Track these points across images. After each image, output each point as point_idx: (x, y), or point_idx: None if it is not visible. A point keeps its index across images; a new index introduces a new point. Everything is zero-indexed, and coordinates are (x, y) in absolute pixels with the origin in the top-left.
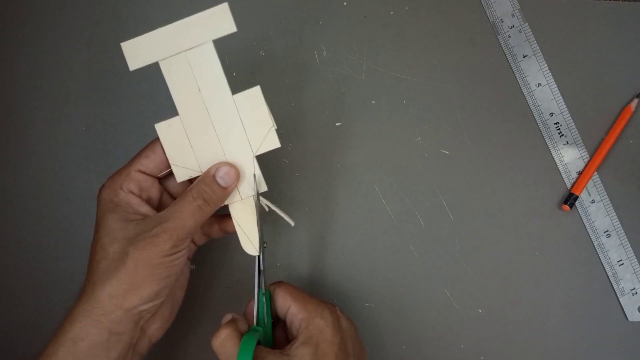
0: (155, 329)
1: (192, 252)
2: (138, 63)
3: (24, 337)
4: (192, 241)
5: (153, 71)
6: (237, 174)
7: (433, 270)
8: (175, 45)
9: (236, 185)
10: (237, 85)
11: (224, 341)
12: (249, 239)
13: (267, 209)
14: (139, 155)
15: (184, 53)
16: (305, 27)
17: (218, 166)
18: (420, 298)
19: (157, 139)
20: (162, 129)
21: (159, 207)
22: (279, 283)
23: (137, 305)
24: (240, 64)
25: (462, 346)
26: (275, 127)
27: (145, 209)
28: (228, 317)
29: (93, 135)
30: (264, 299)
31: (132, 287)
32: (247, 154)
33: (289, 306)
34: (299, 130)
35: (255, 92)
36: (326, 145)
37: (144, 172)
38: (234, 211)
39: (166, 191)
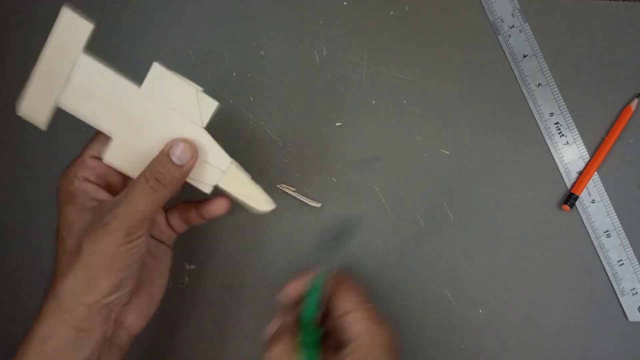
0: (133, 320)
1: (172, 240)
2: (43, 117)
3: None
4: (171, 227)
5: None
6: (194, 150)
7: (433, 270)
8: (57, 78)
9: (194, 162)
10: (237, 84)
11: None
12: (258, 199)
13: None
14: (91, 140)
15: (69, 80)
16: (305, 27)
17: (172, 143)
18: (420, 298)
19: None
20: (111, 157)
21: (115, 185)
22: (341, 279)
23: (98, 300)
24: (240, 64)
25: (462, 346)
26: (201, 89)
27: (102, 195)
28: (274, 325)
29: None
30: (316, 284)
31: (90, 281)
32: (198, 131)
33: (351, 311)
34: (299, 130)
35: (156, 70)
36: (326, 145)
37: (98, 158)
38: (224, 186)
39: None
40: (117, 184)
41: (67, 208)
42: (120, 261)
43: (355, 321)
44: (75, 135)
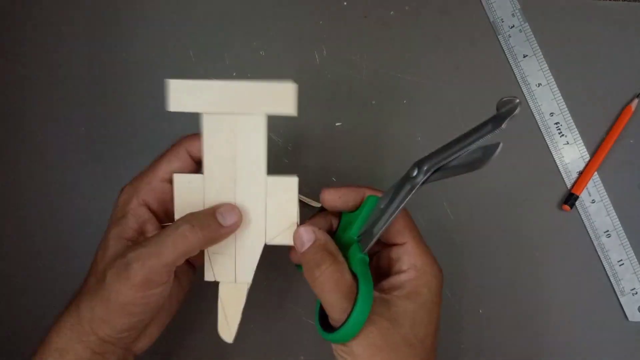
0: (142, 345)
1: (200, 262)
2: (181, 106)
3: (24, 339)
4: (189, 262)
5: (152, 71)
6: (240, 217)
7: None
8: (226, 104)
9: (235, 228)
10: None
11: (318, 256)
12: (228, 325)
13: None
14: (160, 159)
15: (233, 116)
16: (305, 27)
17: (221, 204)
18: None
19: (178, 141)
20: (180, 180)
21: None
22: (407, 213)
23: (111, 335)
24: (240, 64)
25: (462, 346)
26: (298, 224)
27: (150, 227)
28: (309, 234)
29: (93, 135)
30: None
31: (105, 318)
32: (258, 239)
33: (405, 242)
34: (299, 130)
35: (292, 182)
36: (326, 145)
37: (167, 181)
38: (222, 291)
39: None
40: (173, 215)
41: (113, 229)
42: (138, 307)
43: (410, 253)
44: (76, 135)
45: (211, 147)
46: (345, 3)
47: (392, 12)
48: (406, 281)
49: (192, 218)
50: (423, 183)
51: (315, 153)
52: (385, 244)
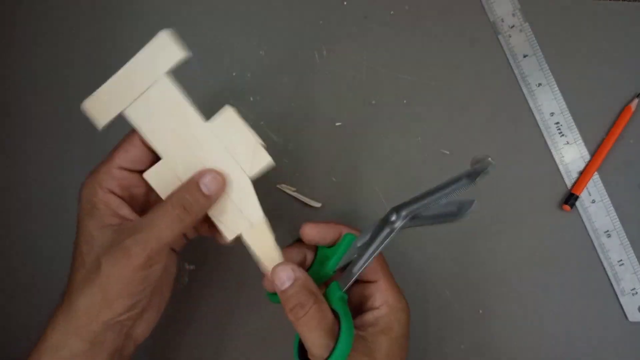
0: (141, 332)
1: (181, 246)
2: (104, 118)
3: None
4: (184, 235)
5: None
6: (224, 182)
7: (433, 270)
8: (132, 90)
9: (221, 193)
10: (237, 84)
11: (301, 295)
12: (271, 258)
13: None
14: (117, 149)
15: (143, 95)
16: (305, 27)
17: (202, 172)
18: (420, 298)
19: (133, 132)
20: (151, 176)
21: (144, 205)
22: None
23: (113, 318)
24: (240, 64)
25: (462, 346)
26: (263, 144)
27: (125, 211)
28: (286, 271)
29: (93, 135)
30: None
31: (106, 301)
32: (244, 179)
33: (377, 280)
34: (299, 130)
35: (228, 113)
36: (326, 145)
37: (125, 169)
38: (248, 239)
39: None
40: (140, 197)
41: (89, 221)
42: (138, 285)
43: (382, 290)
44: (76, 135)
45: (149, 132)
46: (345, 3)
47: (392, 12)
48: (380, 317)
49: (181, 199)
50: (401, 228)
51: (315, 153)
52: (357, 281)
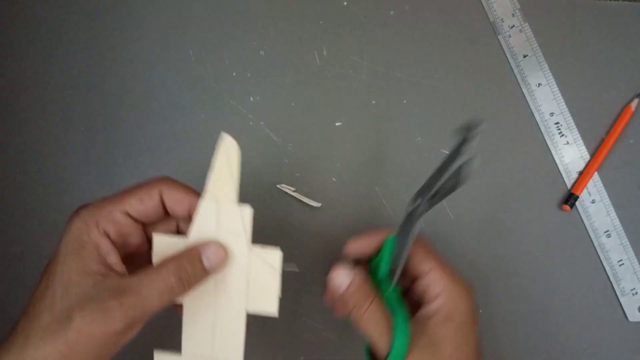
0: None
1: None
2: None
3: None
4: None
5: (153, 70)
6: (225, 258)
7: None
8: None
9: (222, 268)
10: (237, 84)
11: (360, 294)
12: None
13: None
14: (131, 193)
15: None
16: (305, 27)
17: (206, 243)
18: None
19: (154, 182)
20: (160, 242)
21: (133, 255)
22: (417, 241)
23: None
24: (240, 64)
25: None
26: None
27: (113, 259)
28: (344, 278)
29: (93, 135)
30: (396, 251)
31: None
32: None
33: (430, 269)
34: (299, 130)
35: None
36: (326, 145)
37: (130, 216)
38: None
39: (148, 240)
40: (133, 246)
41: (72, 262)
42: (109, 348)
43: (436, 280)
44: (76, 135)
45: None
46: (345, 3)
47: (392, 12)
48: (439, 307)
49: (179, 268)
50: (427, 210)
51: (315, 153)
52: (413, 279)
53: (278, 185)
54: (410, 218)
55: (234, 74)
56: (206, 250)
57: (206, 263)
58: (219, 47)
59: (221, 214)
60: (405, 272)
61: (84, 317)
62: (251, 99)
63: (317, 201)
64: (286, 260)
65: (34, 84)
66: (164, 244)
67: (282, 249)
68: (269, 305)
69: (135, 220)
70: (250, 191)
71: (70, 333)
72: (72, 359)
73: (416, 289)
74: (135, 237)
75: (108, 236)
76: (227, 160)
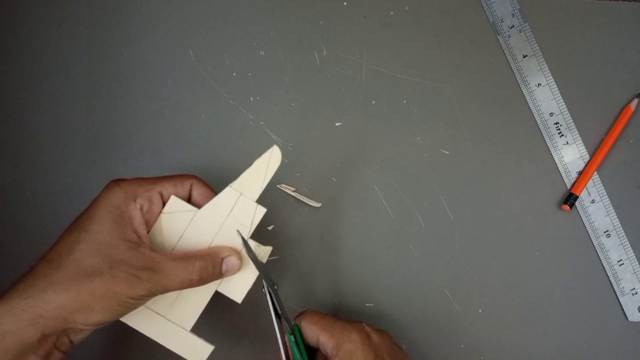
0: (81, 337)
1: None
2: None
3: None
4: None
5: (152, 71)
6: (240, 267)
7: (433, 270)
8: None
9: (230, 275)
10: (237, 84)
11: None
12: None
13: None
14: (167, 178)
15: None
16: (305, 27)
17: (230, 253)
18: (420, 298)
19: (187, 174)
20: (173, 204)
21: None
22: (303, 314)
23: (79, 323)
24: (240, 64)
25: (462, 346)
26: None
27: (143, 231)
28: None
29: (93, 135)
30: (293, 338)
31: (86, 309)
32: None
33: (317, 337)
34: (299, 130)
35: (265, 252)
36: (326, 145)
37: (162, 197)
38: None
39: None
40: (150, 225)
41: (109, 226)
42: (123, 309)
43: (326, 342)
44: (76, 135)
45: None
46: (345, 3)
47: (392, 12)
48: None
49: (204, 270)
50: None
51: (315, 153)
52: (315, 349)
53: (278, 185)
54: (276, 297)
55: (234, 74)
56: (228, 259)
57: (224, 268)
58: (219, 47)
59: (238, 203)
60: (312, 352)
61: (115, 276)
62: (251, 99)
63: (317, 201)
64: (284, 262)
65: (34, 84)
66: (176, 207)
67: (281, 250)
68: (238, 294)
69: (164, 203)
70: None
71: (98, 286)
72: (92, 308)
73: (324, 357)
74: (155, 218)
75: (142, 211)
76: (266, 166)
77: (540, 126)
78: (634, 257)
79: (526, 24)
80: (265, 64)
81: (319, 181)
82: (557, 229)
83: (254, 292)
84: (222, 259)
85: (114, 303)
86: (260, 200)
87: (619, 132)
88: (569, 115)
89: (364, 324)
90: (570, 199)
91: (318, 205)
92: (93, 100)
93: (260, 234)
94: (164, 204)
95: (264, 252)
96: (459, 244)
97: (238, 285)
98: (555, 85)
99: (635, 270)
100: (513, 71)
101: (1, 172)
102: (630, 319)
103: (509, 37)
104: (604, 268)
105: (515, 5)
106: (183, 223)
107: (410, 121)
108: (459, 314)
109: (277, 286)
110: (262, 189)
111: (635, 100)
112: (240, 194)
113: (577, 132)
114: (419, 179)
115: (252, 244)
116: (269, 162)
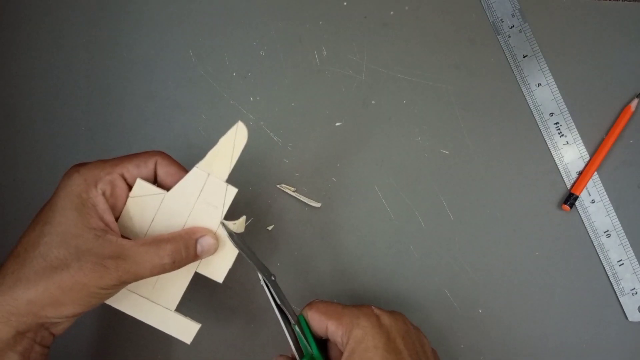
0: (62, 328)
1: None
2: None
3: None
4: None
5: (152, 71)
6: (217, 247)
7: (433, 270)
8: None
9: (208, 256)
10: (237, 84)
11: None
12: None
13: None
14: (128, 159)
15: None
16: (305, 27)
17: (204, 233)
18: (420, 298)
19: (151, 152)
20: (141, 188)
21: (116, 218)
22: (309, 304)
23: (51, 317)
24: (240, 64)
25: (462, 346)
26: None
27: (109, 218)
28: None
29: (93, 135)
30: (297, 329)
31: (56, 303)
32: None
33: (326, 326)
34: (299, 130)
35: (240, 222)
36: (326, 145)
37: (125, 180)
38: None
39: None
40: (118, 210)
41: (71, 215)
42: (94, 300)
43: (336, 331)
44: (76, 135)
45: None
46: (345, 3)
47: (392, 12)
48: (351, 351)
49: (176, 252)
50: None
51: (315, 153)
52: (325, 340)
53: (278, 185)
54: (275, 288)
55: (234, 74)
56: (202, 240)
57: (199, 249)
58: (219, 47)
59: (207, 184)
60: (323, 342)
61: (81, 267)
62: (251, 99)
63: (317, 201)
64: (283, 262)
65: (34, 83)
66: (143, 190)
67: (281, 250)
68: (219, 274)
69: (128, 185)
70: (250, 191)
71: (65, 279)
72: (62, 301)
73: (334, 349)
74: (122, 202)
75: (104, 196)
76: (232, 143)
77: (540, 126)
78: (634, 257)
79: (526, 24)
80: (265, 64)
81: (319, 181)
82: (557, 229)
83: (242, 270)
84: (196, 240)
85: (84, 294)
86: (260, 200)
87: (619, 132)
88: (569, 115)
89: (373, 307)
90: (570, 199)
91: (318, 205)
92: (93, 100)
93: (260, 233)
94: (129, 186)
95: (239, 224)
96: (459, 244)
97: (218, 266)
98: (555, 85)
99: (635, 270)
100: (513, 71)
101: (1, 172)
102: (630, 318)
103: (509, 37)
104: (604, 268)
105: (515, 5)
106: (152, 207)
107: (410, 121)
108: (459, 314)
109: (274, 277)
110: (231, 168)
111: (635, 100)
112: (209, 174)
113: (577, 132)
114: (419, 179)
115: (227, 223)
116: (235, 139)
